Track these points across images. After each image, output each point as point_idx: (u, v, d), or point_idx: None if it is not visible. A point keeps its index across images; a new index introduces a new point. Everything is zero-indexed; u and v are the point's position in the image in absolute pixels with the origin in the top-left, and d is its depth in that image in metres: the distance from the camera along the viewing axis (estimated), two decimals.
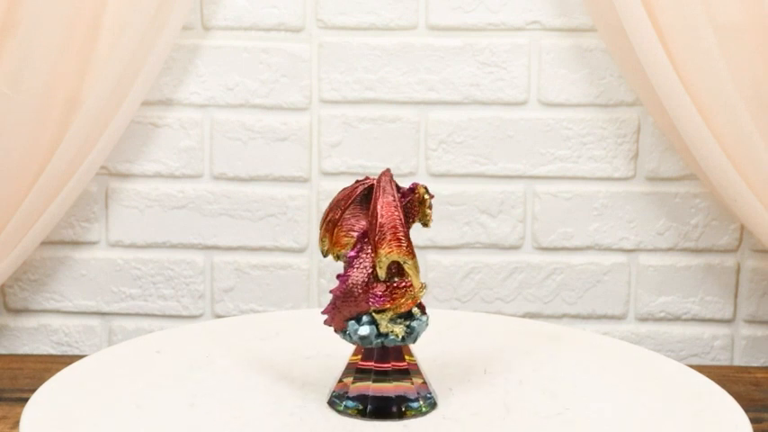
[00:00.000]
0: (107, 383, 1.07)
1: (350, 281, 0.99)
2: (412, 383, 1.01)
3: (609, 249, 1.77)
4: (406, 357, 1.02)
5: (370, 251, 0.99)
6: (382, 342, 1.00)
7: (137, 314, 1.80)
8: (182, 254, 1.79)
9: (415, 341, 1.01)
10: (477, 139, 1.74)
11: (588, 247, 1.77)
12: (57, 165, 1.64)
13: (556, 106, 1.73)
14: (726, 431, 1.00)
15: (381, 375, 1.01)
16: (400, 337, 1.00)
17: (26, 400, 1.04)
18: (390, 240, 0.97)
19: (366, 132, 1.75)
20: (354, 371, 1.02)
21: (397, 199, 0.98)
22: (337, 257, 1.01)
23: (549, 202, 1.76)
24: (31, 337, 1.82)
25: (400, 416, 1.00)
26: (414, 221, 1.01)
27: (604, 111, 1.74)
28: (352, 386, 1.01)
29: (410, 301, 0.99)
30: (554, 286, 1.78)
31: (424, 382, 1.03)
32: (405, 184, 1.03)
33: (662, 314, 1.79)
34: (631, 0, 1.55)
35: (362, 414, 1.00)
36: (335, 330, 1.02)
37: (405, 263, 0.98)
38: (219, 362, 1.13)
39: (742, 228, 1.76)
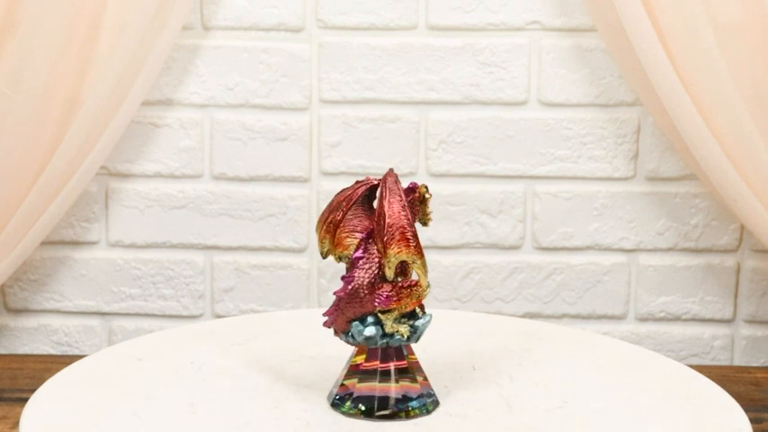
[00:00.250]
0: (107, 383, 1.07)
1: (355, 282, 0.99)
2: (417, 382, 1.01)
3: (609, 249, 1.77)
4: (409, 357, 1.02)
5: (375, 251, 0.99)
6: (387, 342, 1.00)
7: (137, 314, 1.80)
8: (182, 254, 1.79)
9: (417, 340, 1.01)
10: (477, 139, 1.74)
11: (588, 247, 1.77)
12: (57, 165, 1.64)
13: (556, 106, 1.73)
14: (726, 431, 1.00)
15: (386, 375, 1.01)
16: (406, 336, 1.00)
17: (26, 400, 1.04)
18: (399, 240, 0.97)
19: (366, 132, 1.75)
20: (359, 372, 1.01)
21: (404, 199, 0.99)
22: (339, 258, 1.01)
23: (549, 202, 1.76)
24: (31, 337, 1.82)
25: (407, 415, 1.00)
26: (414, 221, 1.01)
27: (604, 111, 1.74)
28: (357, 387, 1.01)
29: (415, 300, 0.99)
30: (554, 286, 1.78)
31: (426, 381, 1.03)
32: (404, 184, 1.03)
33: (662, 314, 1.79)
34: (631, 0, 1.55)
35: (370, 415, 1.00)
36: (336, 332, 1.02)
37: (413, 262, 0.98)
38: (219, 362, 1.13)
39: (742, 228, 1.76)
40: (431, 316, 1.02)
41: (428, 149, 1.75)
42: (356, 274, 0.99)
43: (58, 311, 1.81)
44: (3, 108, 1.63)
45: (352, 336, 1.00)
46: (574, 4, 1.71)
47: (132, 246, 1.79)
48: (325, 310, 1.03)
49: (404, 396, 1.01)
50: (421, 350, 1.07)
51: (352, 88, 1.73)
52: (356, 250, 1.00)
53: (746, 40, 1.60)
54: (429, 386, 1.03)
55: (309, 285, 1.79)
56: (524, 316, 1.79)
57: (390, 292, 0.99)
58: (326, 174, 1.76)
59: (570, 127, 1.74)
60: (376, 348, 1.01)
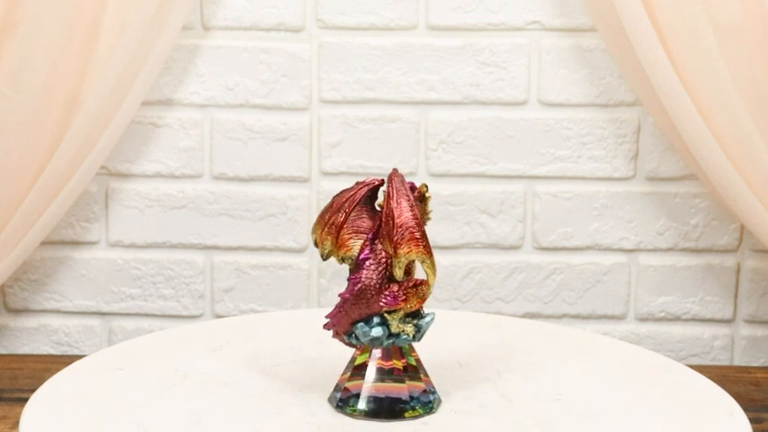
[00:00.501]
0: (107, 383, 1.07)
1: (362, 283, 0.99)
2: (421, 381, 1.02)
3: (609, 249, 1.77)
4: (412, 356, 1.03)
5: (382, 252, 0.99)
6: (393, 342, 1.00)
7: (137, 314, 1.80)
8: (182, 254, 1.79)
9: (420, 339, 1.02)
10: (477, 139, 1.74)
11: (588, 247, 1.77)
12: (57, 165, 1.64)
13: (556, 106, 1.73)
14: (726, 431, 1.00)
15: (391, 375, 1.01)
16: (411, 335, 1.00)
17: (26, 400, 1.04)
18: (409, 240, 0.97)
19: (366, 132, 1.75)
20: (363, 372, 1.01)
21: (411, 198, 0.99)
22: (342, 260, 1.01)
23: (549, 202, 1.76)
24: (31, 337, 1.82)
25: (413, 414, 1.00)
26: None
27: (604, 111, 1.74)
28: (362, 387, 1.01)
29: (419, 299, 0.99)
30: (554, 286, 1.78)
31: (429, 379, 1.03)
32: None
33: (662, 314, 1.79)
34: (631, 0, 1.55)
35: (376, 415, 1.00)
36: (337, 334, 1.02)
37: (423, 262, 0.98)
38: (219, 362, 1.13)
39: (742, 228, 1.76)
40: (434, 314, 1.02)
41: (428, 149, 1.75)
42: (363, 275, 0.99)
43: (58, 311, 1.81)
44: (3, 108, 1.63)
45: (356, 337, 1.00)
46: (574, 4, 1.71)
47: (132, 246, 1.79)
48: (325, 309, 1.02)
49: (410, 395, 1.01)
50: (420, 350, 1.07)
51: (352, 88, 1.73)
52: (361, 251, 0.99)
53: (746, 40, 1.60)
54: (432, 384, 1.03)
55: (309, 285, 1.79)
56: (524, 316, 1.79)
57: (397, 291, 0.99)
58: (326, 174, 1.76)
59: (570, 127, 1.74)
60: (379, 348, 1.01)
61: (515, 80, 1.73)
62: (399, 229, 0.97)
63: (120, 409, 1.01)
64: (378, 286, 0.98)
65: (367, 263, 0.99)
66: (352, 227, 1.00)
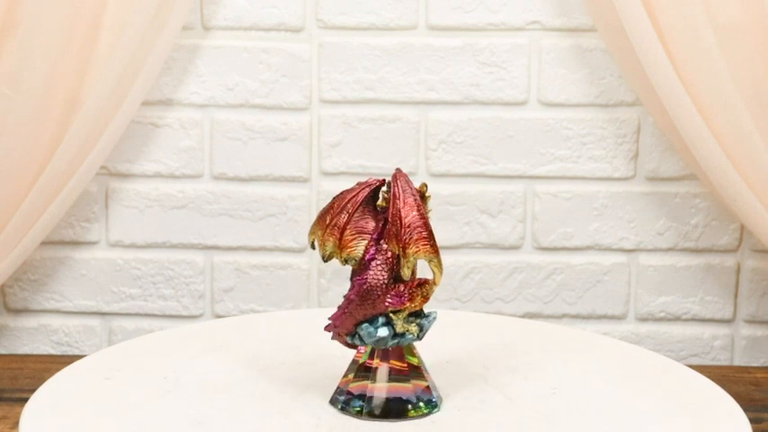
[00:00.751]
0: (107, 383, 1.07)
1: (368, 283, 0.98)
2: (425, 380, 1.02)
3: (609, 249, 1.77)
4: (414, 354, 1.03)
5: (387, 252, 0.99)
6: (398, 342, 1.00)
7: (137, 314, 1.80)
8: (182, 254, 1.79)
9: (422, 339, 1.02)
10: (477, 139, 1.74)
11: (588, 247, 1.77)
12: (57, 165, 1.64)
13: (556, 106, 1.73)
14: (726, 431, 1.00)
15: (394, 375, 1.01)
16: (416, 335, 1.00)
17: (26, 400, 1.04)
18: (417, 240, 0.98)
19: (366, 132, 1.75)
20: (366, 372, 1.01)
21: (417, 198, 0.99)
22: (345, 261, 1.00)
23: (549, 202, 1.76)
24: (31, 337, 1.82)
25: (418, 413, 1.00)
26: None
27: (604, 111, 1.74)
28: (365, 387, 1.01)
29: (423, 299, 0.99)
30: (554, 286, 1.78)
31: (430, 377, 1.03)
32: None
33: (662, 314, 1.79)
34: (631, 0, 1.55)
35: (380, 415, 1.00)
36: (338, 335, 1.02)
37: (430, 261, 0.98)
38: (220, 362, 1.13)
39: (742, 228, 1.76)
40: (436, 314, 1.02)
41: (428, 149, 1.75)
42: (370, 276, 0.99)
43: (58, 311, 1.81)
44: (3, 108, 1.63)
45: (360, 338, 1.00)
46: (574, 4, 1.71)
47: (132, 246, 1.79)
48: (325, 309, 1.02)
49: (414, 395, 1.01)
50: (421, 350, 1.07)
51: (352, 88, 1.73)
52: (367, 251, 0.99)
53: (746, 40, 1.60)
54: (433, 383, 1.03)
55: (309, 285, 1.79)
56: (524, 316, 1.79)
57: (403, 291, 0.99)
58: (326, 174, 1.76)
59: (570, 127, 1.74)
60: (383, 348, 1.01)
61: (515, 80, 1.73)
62: (407, 229, 0.97)
63: (120, 409, 1.01)
64: (384, 286, 0.98)
65: (373, 263, 0.99)
66: (356, 228, 1.00)
